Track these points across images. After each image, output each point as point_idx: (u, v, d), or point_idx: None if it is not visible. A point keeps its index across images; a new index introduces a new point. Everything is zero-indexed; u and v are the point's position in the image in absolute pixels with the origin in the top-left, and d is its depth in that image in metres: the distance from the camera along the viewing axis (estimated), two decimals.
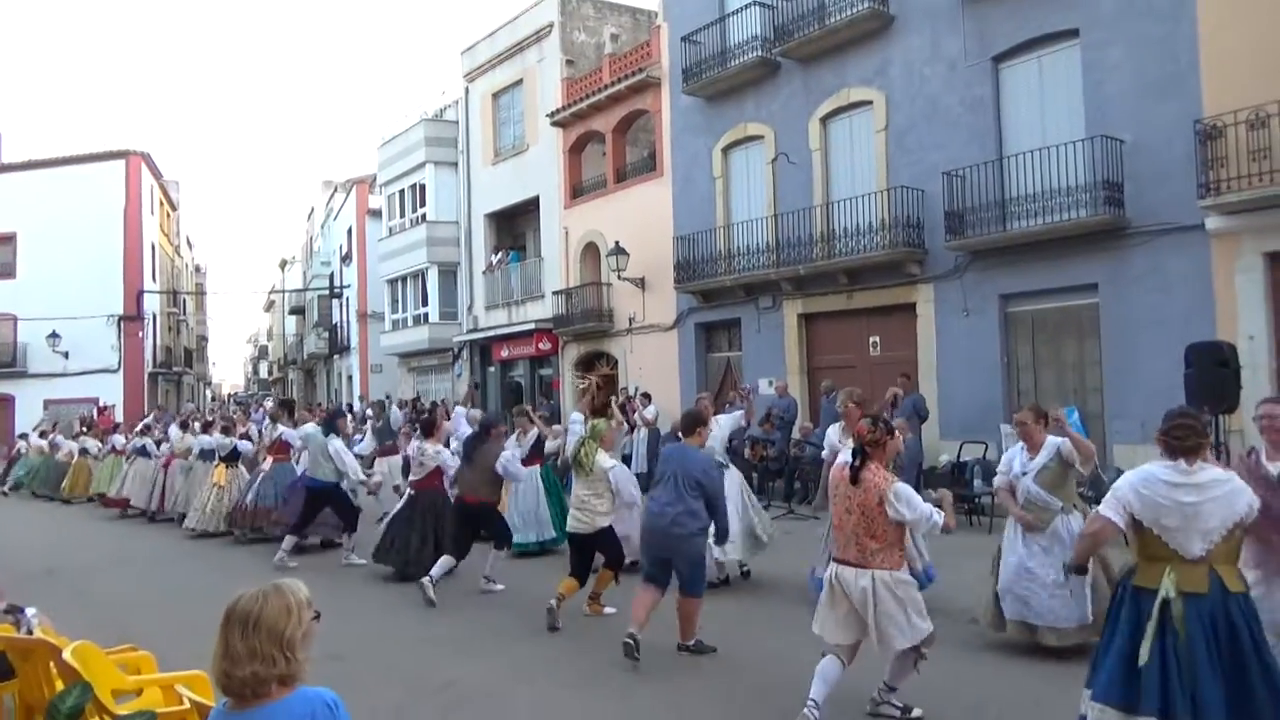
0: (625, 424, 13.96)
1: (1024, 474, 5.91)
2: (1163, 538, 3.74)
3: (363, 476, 10.94)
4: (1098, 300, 12.66)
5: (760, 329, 17.73)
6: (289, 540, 10.26)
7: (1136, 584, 3.83)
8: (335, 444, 10.13)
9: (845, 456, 5.04)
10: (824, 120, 16.50)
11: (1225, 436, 8.61)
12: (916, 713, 4.83)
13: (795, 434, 14.83)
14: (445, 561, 8.28)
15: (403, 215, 28.77)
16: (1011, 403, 13.61)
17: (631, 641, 5.85)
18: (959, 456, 12.66)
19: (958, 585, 7.12)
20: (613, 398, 14.47)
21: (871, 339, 16.05)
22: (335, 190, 41.02)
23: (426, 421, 9.79)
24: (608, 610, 7.35)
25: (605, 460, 7.26)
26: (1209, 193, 11.11)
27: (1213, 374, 8.43)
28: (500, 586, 8.50)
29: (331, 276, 37.72)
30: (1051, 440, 5.89)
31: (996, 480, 6.30)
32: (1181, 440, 3.80)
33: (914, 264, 14.84)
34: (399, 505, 9.66)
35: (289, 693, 2.49)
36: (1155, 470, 3.83)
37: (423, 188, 27.67)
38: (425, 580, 8.11)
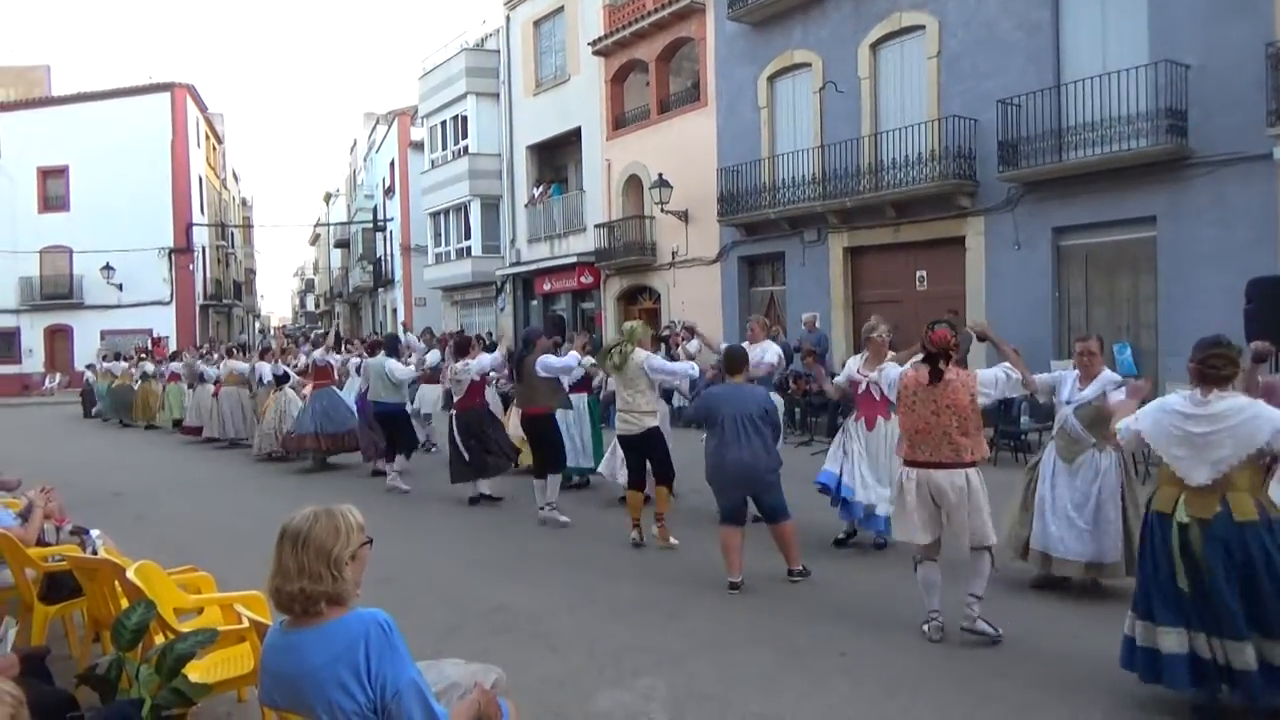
0: (671, 357, 13.94)
1: (1068, 403, 5.82)
2: (1171, 465, 3.90)
3: (415, 372, 11.31)
4: (1155, 233, 12.28)
5: (805, 262, 17.50)
6: (389, 465, 10.58)
7: (1155, 508, 4.01)
8: (389, 363, 10.63)
9: (893, 371, 5.37)
10: (874, 47, 16.00)
11: None
12: (1001, 631, 4.96)
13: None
14: (546, 483, 8.42)
15: (444, 147, 28.63)
16: (1061, 338, 13.35)
17: (738, 589, 6.06)
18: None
19: (999, 521, 7.09)
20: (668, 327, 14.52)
21: (919, 273, 15.77)
22: (377, 122, 40.94)
23: (460, 343, 10.11)
24: (673, 541, 7.34)
25: (639, 354, 7.31)
26: (1279, 121, 10.63)
27: (1276, 309, 8.14)
28: (566, 519, 8.37)
29: (375, 210, 37.89)
30: (1106, 375, 5.77)
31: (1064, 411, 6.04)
32: (1218, 370, 3.84)
33: (964, 196, 14.48)
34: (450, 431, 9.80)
35: (343, 613, 2.58)
36: (1173, 400, 3.97)
37: (464, 119, 27.46)
38: (543, 512, 8.37)
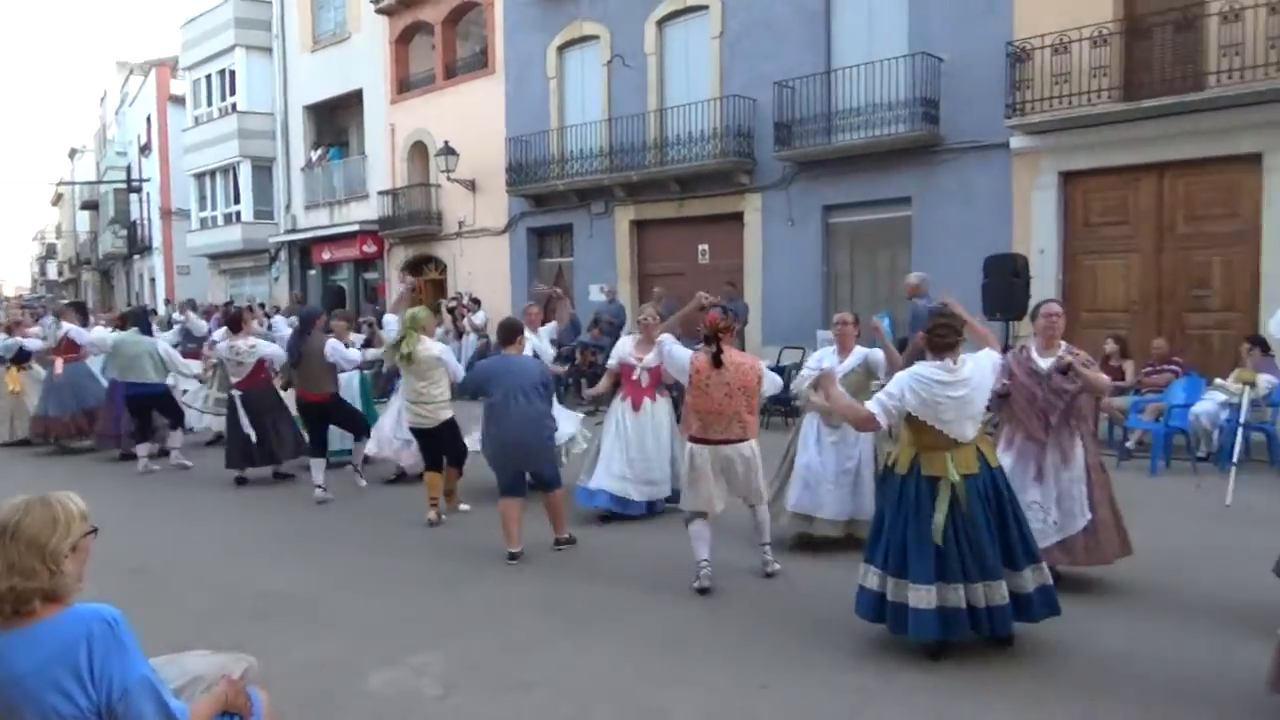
0: (454, 330, 13.66)
1: None
2: (942, 430, 4.21)
3: (195, 371, 10.89)
4: (911, 213, 13.31)
5: (593, 235, 17.64)
6: (144, 448, 9.82)
7: (926, 474, 4.26)
8: (163, 346, 9.95)
9: (681, 356, 5.45)
10: (660, 23, 16.27)
11: (1013, 342, 9.31)
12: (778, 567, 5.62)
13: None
14: (318, 464, 8.15)
15: (210, 104, 26.53)
16: (830, 310, 14.22)
17: (518, 560, 6.04)
18: (779, 361, 13.16)
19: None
20: (441, 301, 14.13)
21: (701, 247, 16.29)
22: (131, 73, 37.28)
23: (232, 318, 9.43)
24: (463, 507, 7.37)
25: (432, 346, 7.13)
26: (1015, 113, 11.76)
27: (1006, 284, 9.06)
28: (329, 496, 8.10)
29: (129, 169, 34.66)
30: (860, 349, 6.16)
31: (803, 373, 6.40)
32: (943, 338, 4.25)
33: (743, 174, 15.06)
34: (234, 413, 9.13)
35: (58, 610, 2.31)
36: (927, 371, 4.24)
37: (232, 74, 25.56)
38: (317, 493, 8.04)
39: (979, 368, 4.30)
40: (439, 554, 6.33)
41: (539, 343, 8.24)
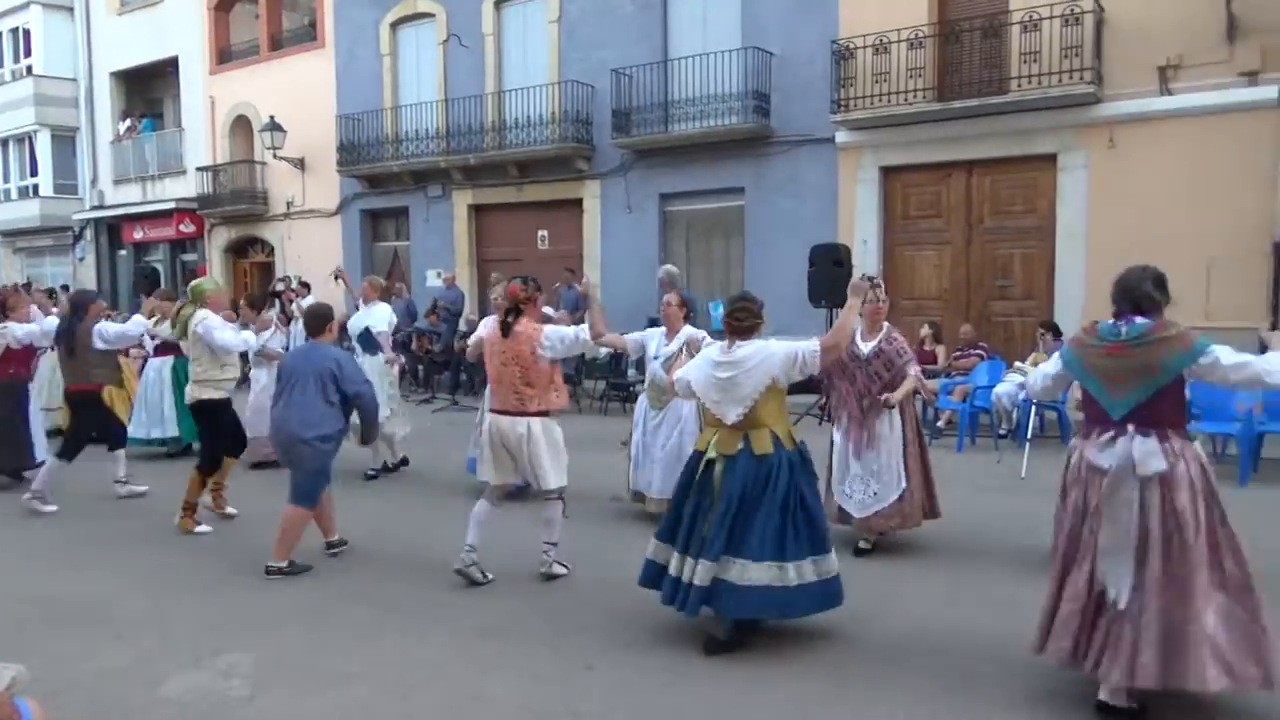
0: (282, 315, 13.01)
1: (655, 357, 6.26)
2: (710, 409, 4.33)
3: None
4: (743, 203, 13.67)
5: (429, 218, 17.21)
6: None
7: (697, 447, 4.48)
8: None
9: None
10: (498, 4, 16.01)
11: None
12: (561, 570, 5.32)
13: (462, 326, 14.72)
14: (51, 465, 7.29)
15: (1, 65, 24.18)
16: None
17: (336, 551, 5.82)
18: None
19: (602, 466, 7.50)
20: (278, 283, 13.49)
21: (540, 232, 16.19)
22: None
23: None
24: (230, 510, 6.77)
25: (196, 315, 6.48)
26: (840, 109, 12.26)
27: (829, 272, 9.45)
28: (51, 508, 7.15)
29: None
30: (687, 328, 6.27)
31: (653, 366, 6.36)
32: (741, 322, 4.30)
33: (582, 160, 15.06)
34: None
35: None
36: (709, 351, 4.43)
37: (28, 33, 23.42)
38: (27, 497, 7.15)
39: (758, 355, 4.16)
40: (249, 551, 5.97)
41: (372, 319, 8.02)
